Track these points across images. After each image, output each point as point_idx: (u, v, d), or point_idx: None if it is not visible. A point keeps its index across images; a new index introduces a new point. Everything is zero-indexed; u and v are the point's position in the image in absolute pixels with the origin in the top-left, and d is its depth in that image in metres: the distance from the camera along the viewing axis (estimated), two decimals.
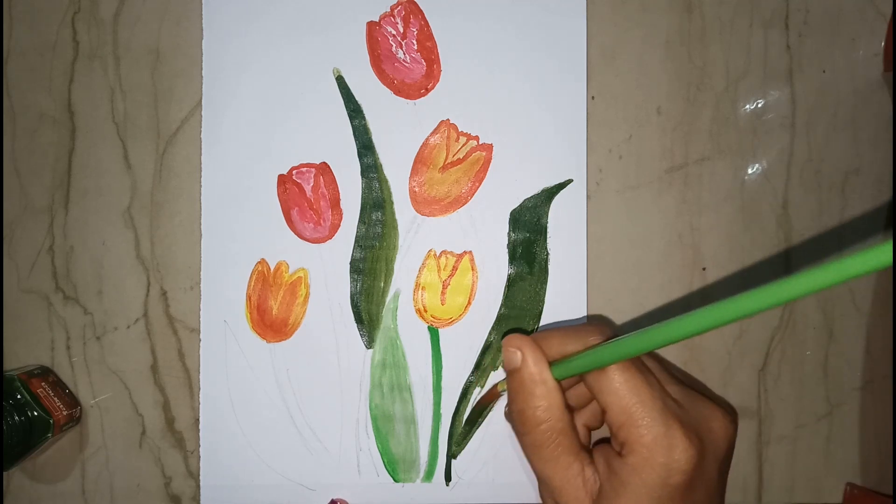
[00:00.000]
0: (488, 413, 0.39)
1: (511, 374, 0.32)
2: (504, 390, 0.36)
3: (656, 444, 0.28)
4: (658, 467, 0.28)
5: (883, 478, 0.39)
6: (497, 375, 0.39)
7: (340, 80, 0.39)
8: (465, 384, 0.39)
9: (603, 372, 0.30)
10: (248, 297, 0.38)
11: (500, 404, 0.39)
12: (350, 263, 0.38)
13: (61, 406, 0.36)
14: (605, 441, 0.33)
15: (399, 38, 0.39)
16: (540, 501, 0.33)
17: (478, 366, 0.39)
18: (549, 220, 0.39)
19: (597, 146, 0.39)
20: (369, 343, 0.38)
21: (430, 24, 0.39)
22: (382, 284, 0.39)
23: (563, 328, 0.33)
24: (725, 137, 0.39)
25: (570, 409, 0.32)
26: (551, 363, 0.31)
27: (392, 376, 0.38)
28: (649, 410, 0.29)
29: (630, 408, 0.29)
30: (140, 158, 0.39)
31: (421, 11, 0.39)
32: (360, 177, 0.39)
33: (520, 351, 0.32)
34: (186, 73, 0.39)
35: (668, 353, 0.39)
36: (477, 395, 0.38)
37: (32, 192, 0.38)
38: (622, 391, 0.29)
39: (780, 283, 0.23)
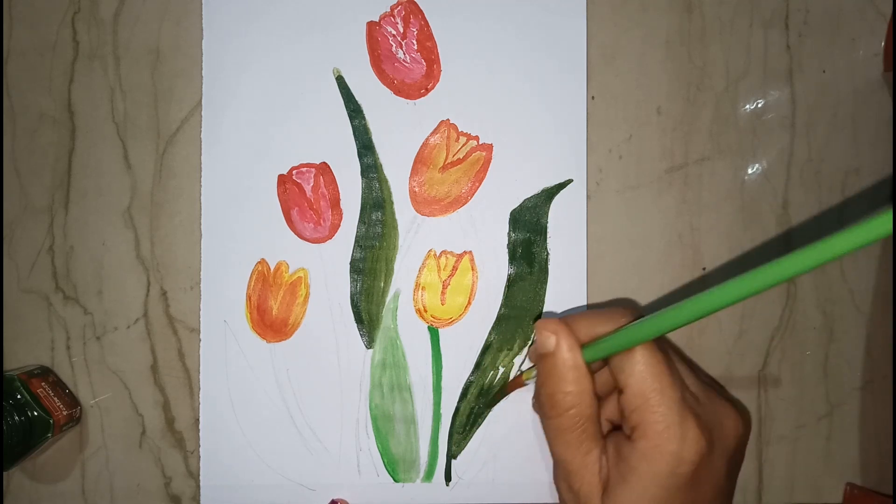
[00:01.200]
0: (488, 413, 0.38)
1: (543, 357, 0.32)
2: (529, 380, 0.36)
3: (669, 432, 0.29)
4: (668, 455, 0.29)
5: (883, 478, 0.39)
6: (506, 371, 0.39)
7: (340, 80, 0.39)
8: (465, 384, 0.39)
9: (628, 353, 0.30)
10: (248, 297, 0.38)
11: (510, 399, 0.39)
12: (350, 263, 0.39)
13: (61, 406, 0.36)
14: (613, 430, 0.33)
15: (399, 38, 0.39)
16: (547, 498, 0.33)
17: (478, 366, 0.38)
18: (549, 220, 0.39)
19: (597, 146, 0.39)
20: (369, 343, 0.38)
21: (430, 24, 0.39)
22: (382, 284, 0.39)
23: (592, 311, 0.33)
24: (725, 137, 0.39)
25: (597, 397, 0.32)
26: (582, 346, 0.31)
27: (392, 376, 0.38)
28: (667, 399, 0.29)
29: (648, 392, 0.29)
30: (140, 158, 0.39)
31: (421, 11, 0.39)
32: (360, 177, 0.39)
33: (555, 335, 0.31)
34: (186, 73, 0.39)
35: None
36: (477, 394, 0.38)
37: (32, 192, 0.38)
38: (644, 374, 0.29)
39: (805, 250, 0.24)
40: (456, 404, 0.39)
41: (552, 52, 0.39)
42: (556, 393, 0.31)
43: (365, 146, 0.39)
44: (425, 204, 0.39)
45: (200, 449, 0.38)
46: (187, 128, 0.39)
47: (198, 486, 0.38)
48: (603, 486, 0.30)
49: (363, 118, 0.39)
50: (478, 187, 0.39)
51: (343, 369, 0.38)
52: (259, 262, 0.38)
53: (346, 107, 0.39)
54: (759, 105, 0.39)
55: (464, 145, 0.39)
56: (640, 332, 0.29)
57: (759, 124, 0.39)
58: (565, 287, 0.39)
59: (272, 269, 0.38)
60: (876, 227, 0.22)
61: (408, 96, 0.39)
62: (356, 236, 0.38)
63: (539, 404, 0.33)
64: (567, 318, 0.32)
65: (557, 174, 0.39)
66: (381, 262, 0.39)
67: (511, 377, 0.38)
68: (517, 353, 0.38)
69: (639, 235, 0.39)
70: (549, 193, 0.39)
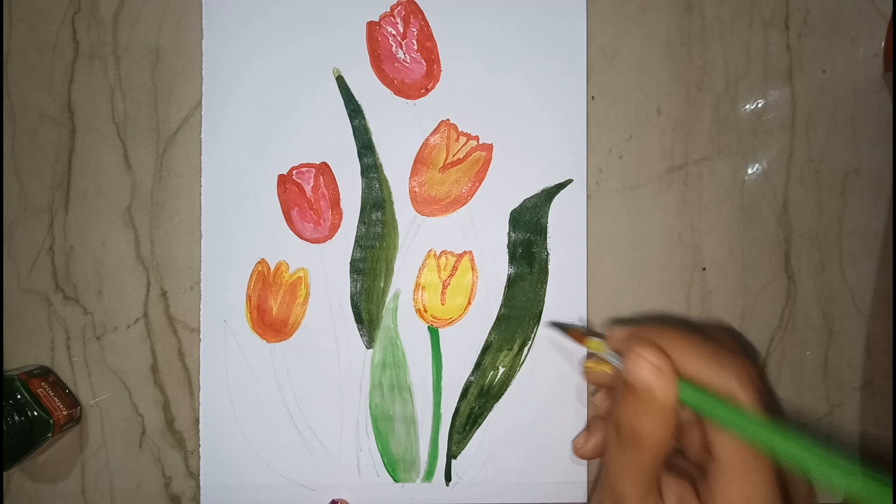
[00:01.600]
0: (490, 411, 0.38)
1: (635, 386, 0.29)
2: (598, 353, 0.34)
3: None
4: None
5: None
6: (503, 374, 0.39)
7: (340, 80, 0.39)
8: (465, 384, 0.39)
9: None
10: (248, 297, 0.38)
11: (510, 399, 0.39)
12: (350, 263, 0.39)
13: (61, 406, 0.36)
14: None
15: (399, 38, 0.39)
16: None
17: (478, 366, 0.38)
18: (549, 220, 0.39)
19: (597, 146, 0.39)
20: (369, 343, 0.38)
21: (430, 24, 0.39)
22: (382, 284, 0.39)
23: (707, 352, 0.30)
24: (725, 137, 0.39)
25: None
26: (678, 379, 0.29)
27: (392, 376, 0.38)
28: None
29: (736, 480, 0.28)
30: (140, 158, 0.39)
31: (421, 11, 0.39)
32: (360, 177, 0.39)
33: (660, 374, 0.29)
34: (186, 73, 0.39)
35: None
36: (477, 394, 0.38)
37: (32, 192, 0.38)
38: (740, 472, 0.28)
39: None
40: (456, 404, 0.39)
41: (552, 52, 0.39)
42: (641, 430, 0.29)
43: (365, 146, 0.39)
44: (425, 204, 0.39)
45: (200, 449, 0.38)
46: (187, 128, 0.39)
47: (198, 486, 0.38)
48: None
49: (363, 118, 0.39)
50: (478, 187, 0.39)
51: (343, 369, 0.38)
52: (259, 262, 0.38)
53: (346, 107, 0.39)
54: (759, 105, 0.39)
55: (464, 145, 0.39)
56: (761, 438, 0.27)
57: (759, 124, 0.39)
58: (565, 287, 0.39)
59: (272, 269, 0.38)
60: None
61: (408, 96, 0.39)
62: (356, 236, 0.38)
63: (615, 430, 0.30)
64: (673, 350, 0.29)
65: (557, 174, 0.39)
66: (381, 262, 0.39)
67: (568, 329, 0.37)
68: (517, 353, 0.38)
69: (639, 235, 0.39)
70: (549, 193, 0.39)
